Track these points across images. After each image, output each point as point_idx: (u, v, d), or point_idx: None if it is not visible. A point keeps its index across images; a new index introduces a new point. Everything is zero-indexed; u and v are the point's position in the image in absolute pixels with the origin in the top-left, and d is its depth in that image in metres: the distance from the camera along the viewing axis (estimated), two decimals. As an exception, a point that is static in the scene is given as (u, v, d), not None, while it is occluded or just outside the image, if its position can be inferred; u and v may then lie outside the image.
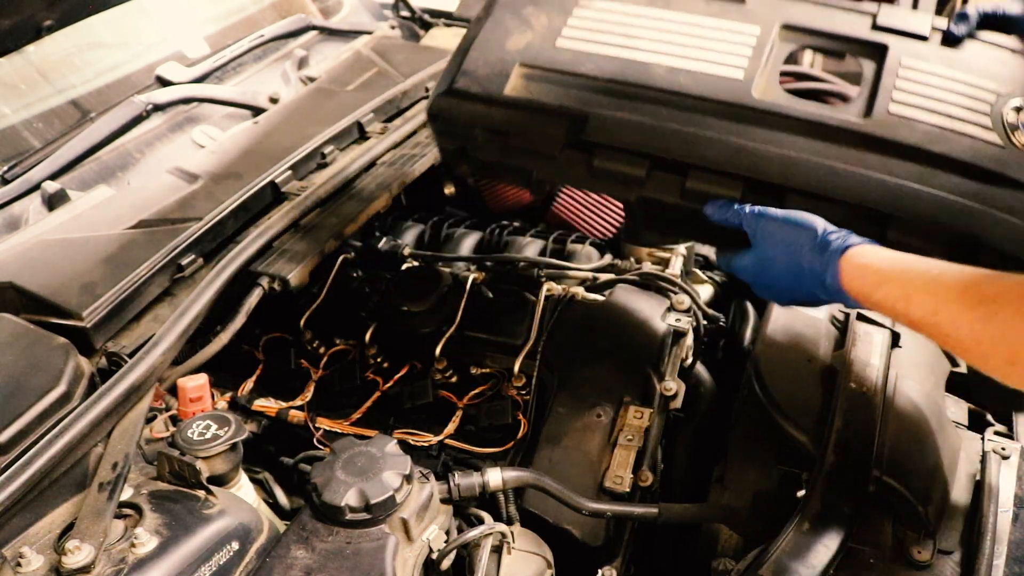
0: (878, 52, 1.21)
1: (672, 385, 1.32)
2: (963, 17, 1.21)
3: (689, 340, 1.42)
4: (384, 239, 1.63)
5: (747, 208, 1.12)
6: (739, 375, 1.37)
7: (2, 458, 0.96)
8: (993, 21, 1.21)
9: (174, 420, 1.19)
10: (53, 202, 1.46)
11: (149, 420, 1.14)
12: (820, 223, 1.05)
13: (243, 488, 1.12)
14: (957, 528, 1.10)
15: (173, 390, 1.20)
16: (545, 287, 1.44)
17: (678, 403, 1.33)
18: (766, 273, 1.11)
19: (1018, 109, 1.12)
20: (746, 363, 1.35)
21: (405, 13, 2.32)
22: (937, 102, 1.14)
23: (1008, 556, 1.05)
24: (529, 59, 1.25)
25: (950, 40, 1.21)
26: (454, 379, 1.41)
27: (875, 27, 1.23)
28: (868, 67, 1.20)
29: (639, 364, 1.35)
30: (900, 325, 1.20)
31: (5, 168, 1.52)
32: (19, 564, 0.88)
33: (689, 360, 1.44)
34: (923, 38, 1.21)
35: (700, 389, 1.45)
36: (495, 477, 1.12)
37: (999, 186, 1.05)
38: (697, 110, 1.17)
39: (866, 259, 0.99)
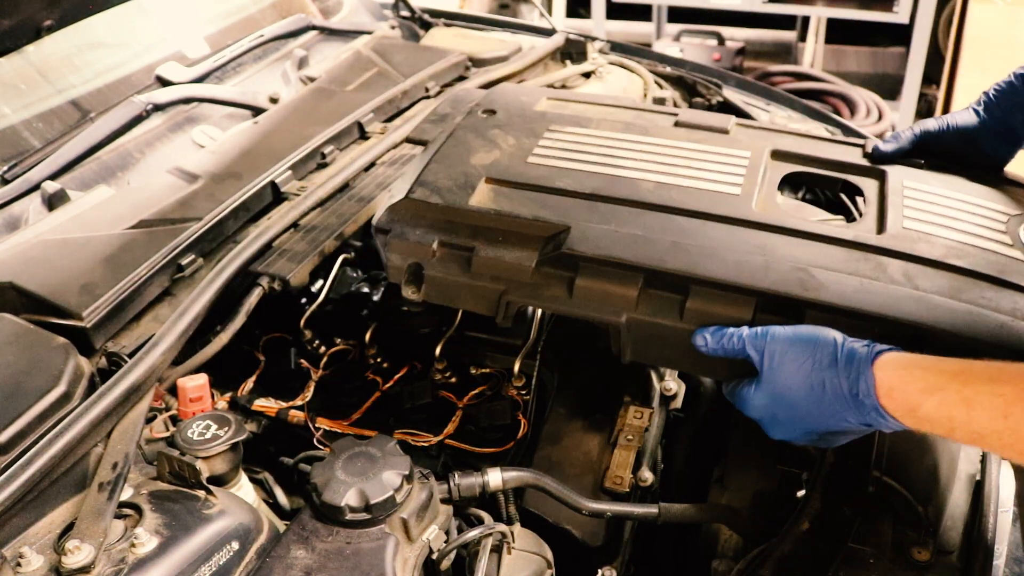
0: (877, 175, 1.14)
1: (672, 385, 1.32)
2: (895, 137, 1.17)
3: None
4: (384, 239, 1.63)
5: (746, 331, 0.96)
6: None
7: (2, 458, 0.96)
8: (939, 139, 1.17)
9: (174, 420, 1.19)
10: (53, 202, 1.46)
11: (149, 420, 1.14)
12: (837, 334, 0.91)
13: (243, 488, 1.12)
14: (957, 528, 1.10)
15: (173, 390, 1.20)
16: (545, 287, 1.44)
17: (678, 403, 1.33)
18: (781, 405, 0.95)
19: None
20: (746, 363, 1.35)
21: (405, 13, 2.32)
22: (950, 219, 1.06)
23: (1008, 556, 1.05)
24: (497, 174, 1.11)
25: (875, 157, 1.16)
26: (454, 379, 1.41)
27: (866, 155, 1.17)
28: (870, 188, 1.11)
29: (639, 364, 1.35)
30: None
31: (5, 168, 1.52)
32: (19, 564, 0.88)
33: (689, 360, 1.44)
34: (920, 165, 1.16)
35: (700, 389, 1.45)
36: (495, 477, 1.12)
37: None
38: (693, 224, 1.04)
39: (906, 364, 0.86)
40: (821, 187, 1.20)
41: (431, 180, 1.12)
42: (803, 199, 1.25)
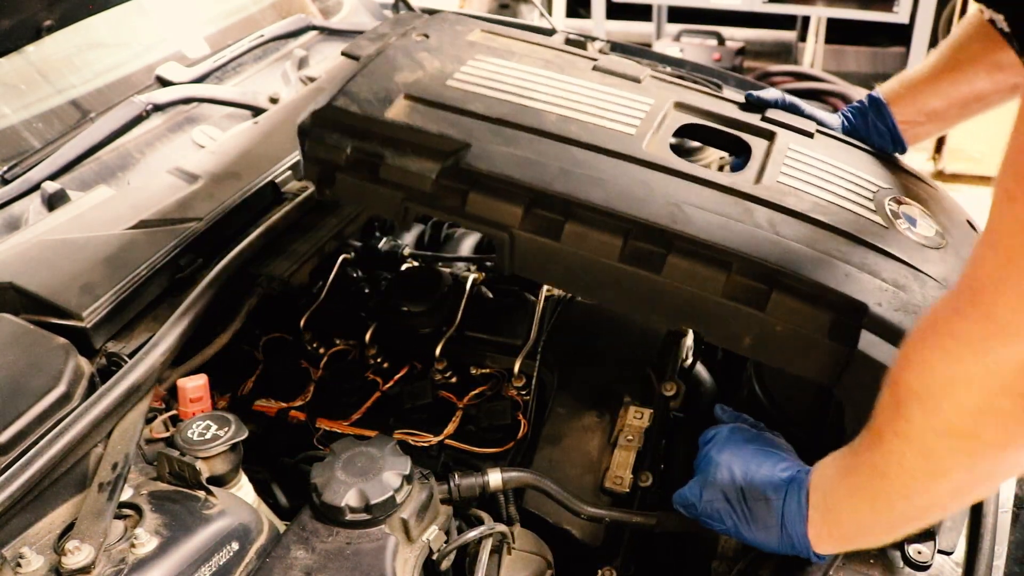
0: (768, 135, 1.20)
1: (672, 385, 1.32)
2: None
3: (689, 340, 1.42)
4: (384, 239, 1.63)
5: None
6: (739, 375, 1.37)
7: (2, 458, 0.96)
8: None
9: (174, 420, 1.19)
10: (53, 202, 1.46)
11: (149, 420, 1.14)
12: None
13: (243, 488, 1.12)
14: (957, 528, 1.10)
15: (173, 390, 1.20)
16: (545, 287, 1.44)
17: (678, 403, 1.33)
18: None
19: (897, 202, 1.14)
20: (746, 363, 1.35)
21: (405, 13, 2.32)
22: (824, 182, 1.13)
23: (1008, 556, 1.05)
24: (416, 91, 1.18)
25: (750, 99, 1.26)
26: (454, 379, 1.41)
27: (764, 119, 1.24)
28: (759, 147, 1.19)
29: (639, 364, 1.35)
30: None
31: (5, 168, 1.52)
32: (19, 564, 0.88)
33: (689, 360, 1.44)
34: (809, 135, 1.22)
35: (700, 389, 1.45)
36: (495, 478, 1.12)
37: (885, 258, 1.03)
38: (585, 155, 1.11)
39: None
40: (715, 141, 1.27)
41: (354, 91, 1.19)
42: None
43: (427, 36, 1.33)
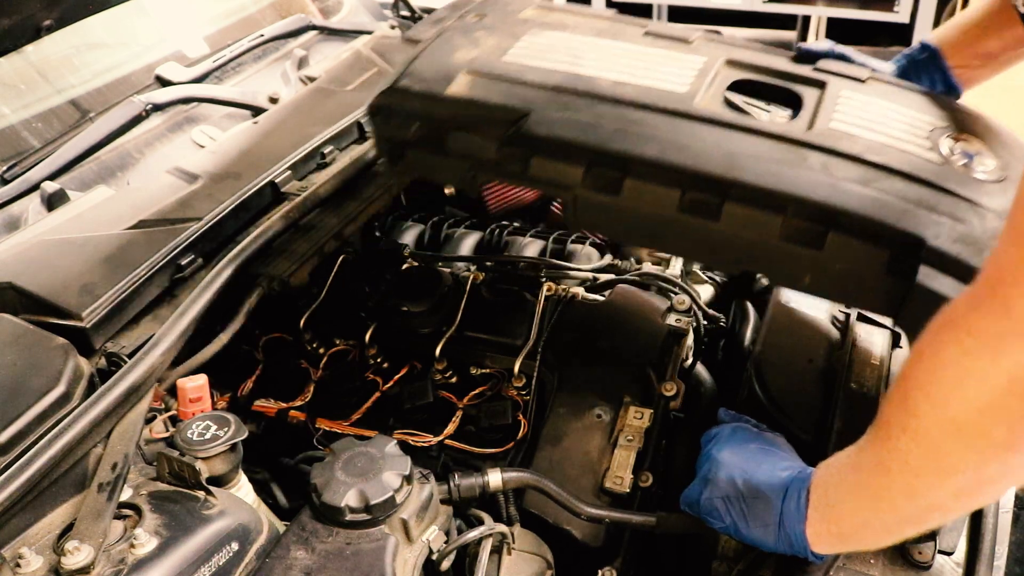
0: (819, 85, 1.22)
1: (672, 385, 1.32)
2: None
3: (689, 340, 1.42)
4: (384, 239, 1.63)
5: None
6: (739, 375, 1.37)
7: (1, 458, 0.96)
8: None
9: (174, 420, 1.19)
10: (52, 202, 1.46)
11: (149, 420, 1.14)
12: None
13: (243, 488, 1.12)
14: (957, 528, 1.10)
15: (173, 390, 1.20)
16: (545, 287, 1.44)
17: (678, 403, 1.33)
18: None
19: (954, 139, 1.14)
20: (746, 363, 1.35)
21: (405, 13, 2.32)
22: (877, 124, 1.14)
23: (1009, 557, 1.05)
24: (475, 68, 1.24)
25: (801, 58, 1.28)
26: (454, 379, 1.40)
27: (816, 70, 1.25)
28: (811, 96, 1.20)
29: (639, 364, 1.35)
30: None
31: (4, 168, 1.52)
32: (18, 565, 0.88)
33: (689, 360, 1.44)
34: (860, 80, 1.23)
35: (700, 389, 1.45)
36: (495, 478, 1.12)
37: (941, 193, 1.04)
38: (639, 115, 1.15)
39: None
40: (766, 96, 1.27)
41: (417, 71, 1.25)
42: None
43: (483, 16, 1.38)
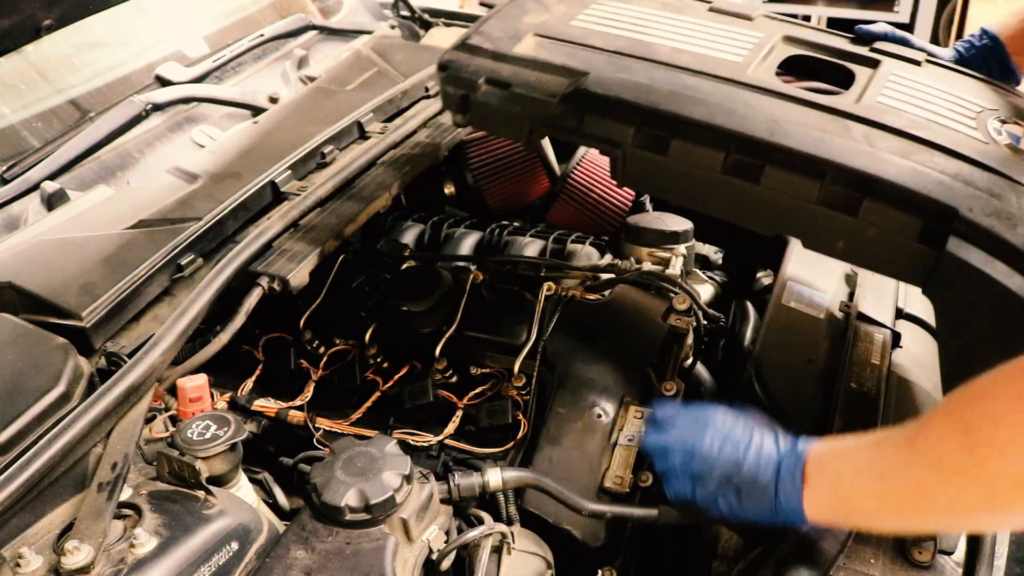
0: (873, 64, 1.25)
1: (672, 385, 1.32)
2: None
3: (689, 340, 1.42)
4: (384, 239, 1.63)
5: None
6: (739, 375, 1.37)
7: (1, 458, 0.96)
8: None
9: (173, 420, 1.19)
10: (52, 202, 1.46)
11: (149, 420, 1.14)
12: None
13: (243, 488, 1.12)
14: (958, 528, 1.10)
15: (173, 390, 1.20)
16: (545, 287, 1.44)
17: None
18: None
19: (1002, 121, 1.16)
20: (746, 363, 1.35)
21: (405, 13, 2.32)
22: (925, 102, 1.17)
23: (1009, 556, 1.05)
24: (542, 31, 1.33)
25: (859, 39, 1.33)
26: (454, 379, 1.40)
27: (872, 51, 1.30)
28: (864, 74, 1.24)
29: (639, 364, 1.35)
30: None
31: (4, 168, 1.52)
32: (18, 564, 0.88)
33: (689, 360, 1.44)
34: (916, 63, 1.27)
35: (700, 389, 1.45)
36: (495, 477, 1.12)
37: (980, 169, 1.07)
38: (692, 80, 1.21)
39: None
40: (819, 74, 1.32)
41: (488, 31, 1.34)
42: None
43: None
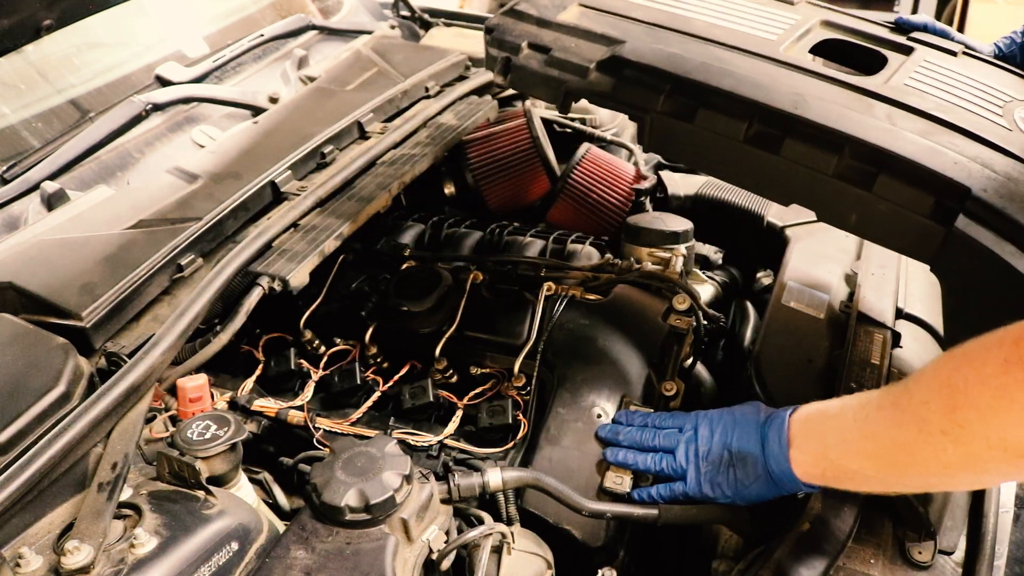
0: (906, 51, 1.29)
1: (672, 385, 1.32)
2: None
3: (689, 340, 1.42)
4: (384, 239, 1.63)
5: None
6: (739, 375, 1.37)
7: (1, 458, 0.96)
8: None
9: (173, 420, 1.19)
10: (52, 202, 1.46)
11: (149, 420, 1.14)
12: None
13: (243, 488, 1.12)
14: (957, 528, 1.10)
15: (173, 390, 1.20)
16: (545, 287, 1.44)
17: (678, 403, 1.33)
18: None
19: None
20: (746, 363, 1.35)
21: (405, 13, 2.32)
22: (952, 88, 1.20)
23: (1009, 556, 1.05)
24: (586, 1, 1.41)
25: (898, 28, 1.35)
26: (454, 379, 1.40)
27: (909, 39, 1.33)
28: (896, 59, 1.27)
29: (639, 364, 1.35)
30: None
31: (4, 168, 1.52)
32: (18, 564, 0.88)
33: (689, 360, 1.44)
34: (952, 53, 1.30)
35: (700, 389, 1.45)
36: (495, 477, 1.12)
37: (999, 153, 1.08)
38: (724, 53, 1.26)
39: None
40: (852, 59, 1.34)
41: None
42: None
43: None
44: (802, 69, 1.22)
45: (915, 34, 1.33)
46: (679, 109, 1.22)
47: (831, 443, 0.96)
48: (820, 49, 1.32)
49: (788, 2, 1.42)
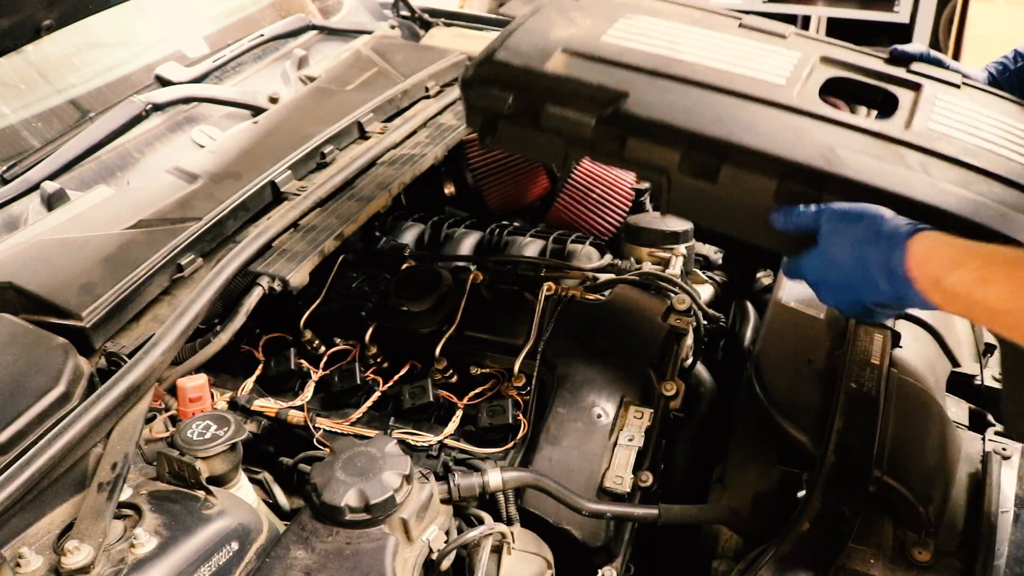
0: (914, 87, 1.23)
1: (672, 385, 1.32)
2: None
3: (689, 340, 1.42)
4: (384, 239, 1.63)
5: (812, 207, 1.05)
6: (739, 375, 1.37)
7: (1, 458, 0.96)
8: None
9: (173, 420, 1.19)
10: (52, 202, 1.46)
11: (149, 420, 1.14)
12: (887, 211, 0.99)
13: (243, 488, 1.12)
14: (957, 528, 1.10)
15: (173, 390, 1.20)
16: (545, 287, 1.44)
17: (678, 403, 1.33)
18: (831, 271, 1.03)
19: None
20: (746, 363, 1.35)
21: (405, 13, 2.32)
22: (974, 128, 1.15)
23: (1009, 556, 1.05)
24: (572, 46, 1.26)
25: (895, 53, 1.29)
26: (454, 379, 1.40)
27: (910, 72, 1.27)
28: (907, 97, 1.21)
29: (639, 364, 1.35)
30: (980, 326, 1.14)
31: (4, 168, 1.52)
32: (18, 564, 0.88)
33: (689, 360, 1.44)
34: (956, 86, 1.25)
35: (700, 389, 1.45)
36: (495, 477, 1.12)
37: None
38: (738, 103, 1.17)
39: (937, 242, 0.92)
40: (861, 97, 1.29)
41: (514, 46, 1.26)
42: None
43: None
44: (822, 117, 1.14)
45: (914, 66, 1.28)
46: (699, 169, 1.12)
47: (982, 264, 0.88)
48: (827, 89, 1.25)
49: (779, 35, 1.33)
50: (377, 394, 1.38)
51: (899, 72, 1.26)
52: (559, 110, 1.18)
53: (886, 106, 1.24)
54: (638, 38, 1.28)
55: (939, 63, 1.29)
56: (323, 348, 1.44)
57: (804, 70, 1.23)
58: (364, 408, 1.36)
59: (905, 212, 1.00)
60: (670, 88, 1.18)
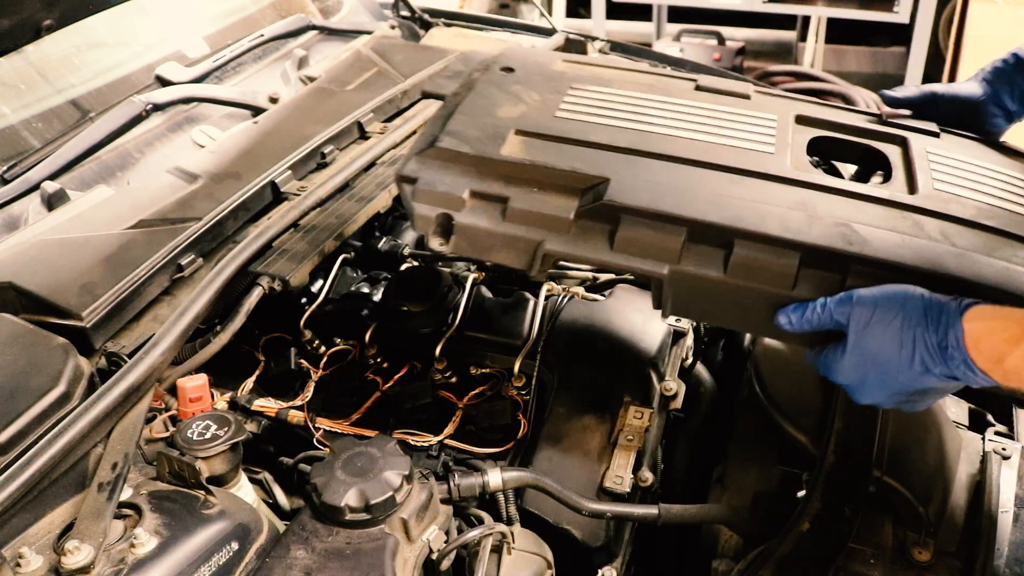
0: (900, 141, 1.15)
1: (672, 385, 1.32)
2: (903, 88, 1.23)
3: (689, 340, 1.42)
4: (384, 239, 1.63)
5: (829, 300, 0.95)
6: (739, 375, 1.37)
7: (2, 458, 0.96)
8: (944, 104, 1.20)
9: (174, 420, 1.19)
10: (52, 202, 1.46)
11: (149, 420, 1.14)
12: (923, 291, 0.91)
13: (243, 488, 1.12)
14: (957, 528, 1.10)
15: (173, 390, 1.20)
16: (545, 287, 1.44)
17: (678, 403, 1.33)
18: (872, 367, 0.94)
19: None
20: (746, 363, 1.35)
21: (405, 13, 2.32)
22: (975, 183, 1.09)
23: (1008, 556, 1.05)
24: (527, 126, 1.10)
25: (886, 99, 1.20)
26: (454, 379, 1.40)
27: (885, 123, 1.19)
28: (894, 153, 1.14)
29: (639, 364, 1.35)
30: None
31: (5, 168, 1.52)
32: (18, 564, 0.88)
33: (689, 360, 1.44)
34: (935, 134, 1.17)
35: (700, 389, 1.45)
36: (495, 477, 1.12)
37: None
38: (732, 179, 1.05)
39: (993, 316, 0.86)
40: (845, 153, 1.21)
41: (458, 130, 1.09)
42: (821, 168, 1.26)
43: (512, 69, 1.25)
44: (826, 188, 1.03)
45: (888, 115, 1.20)
46: (704, 260, 0.99)
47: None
48: (811, 151, 1.15)
49: (742, 96, 1.21)
50: (377, 394, 1.38)
51: (877, 126, 1.19)
52: (527, 202, 1.02)
53: (866, 162, 1.18)
54: (596, 111, 1.14)
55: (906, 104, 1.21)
56: (323, 348, 1.44)
57: (786, 134, 1.12)
58: (364, 408, 1.37)
59: (939, 288, 0.92)
60: (650, 168, 1.04)
